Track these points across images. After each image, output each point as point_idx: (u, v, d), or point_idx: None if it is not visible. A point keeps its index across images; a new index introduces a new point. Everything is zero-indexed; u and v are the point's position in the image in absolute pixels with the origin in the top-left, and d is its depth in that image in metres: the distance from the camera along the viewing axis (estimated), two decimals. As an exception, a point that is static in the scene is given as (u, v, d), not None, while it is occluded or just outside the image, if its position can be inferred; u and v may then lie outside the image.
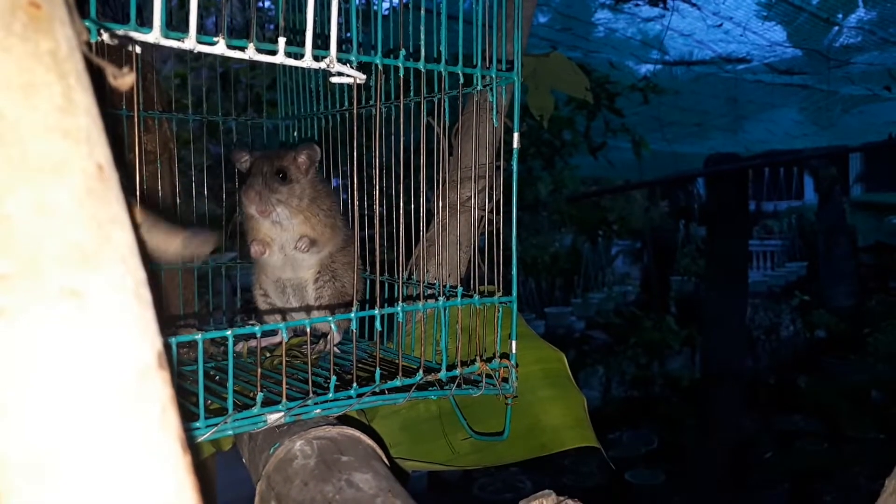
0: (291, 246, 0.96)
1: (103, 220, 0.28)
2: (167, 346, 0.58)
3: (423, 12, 0.81)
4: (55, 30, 0.28)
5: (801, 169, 9.92)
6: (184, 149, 1.18)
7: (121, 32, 0.49)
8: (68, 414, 0.27)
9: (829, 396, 5.57)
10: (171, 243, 0.72)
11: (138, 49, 0.56)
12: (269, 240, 0.96)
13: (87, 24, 0.47)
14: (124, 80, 0.32)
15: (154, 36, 0.54)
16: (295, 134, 1.17)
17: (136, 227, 0.31)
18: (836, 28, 2.98)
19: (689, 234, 8.86)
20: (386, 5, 1.03)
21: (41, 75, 0.27)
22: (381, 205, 0.81)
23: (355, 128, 0.73)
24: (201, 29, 0.59)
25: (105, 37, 0.50)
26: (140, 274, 0.30)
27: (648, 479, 4.68)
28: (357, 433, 0.66)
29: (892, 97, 3.77)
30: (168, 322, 1.03)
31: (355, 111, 0.73)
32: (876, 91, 3.74)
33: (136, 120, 0.57)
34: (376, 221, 0.82)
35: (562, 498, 0.58)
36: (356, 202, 0.79)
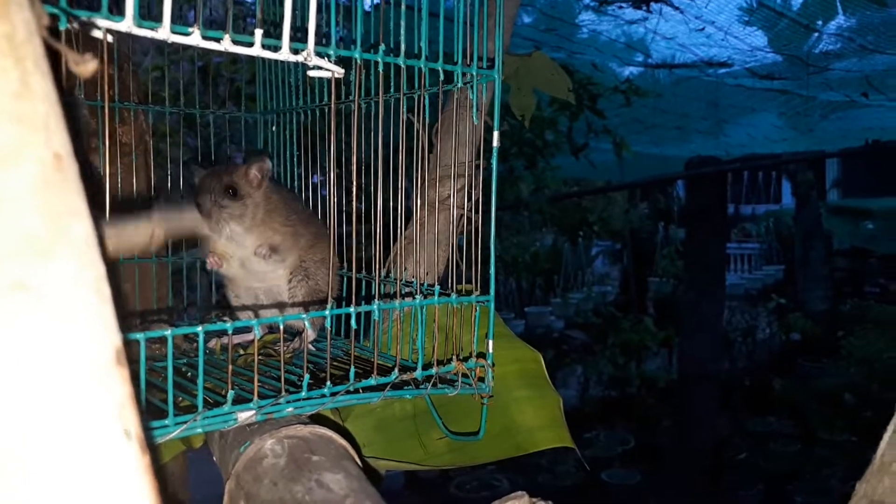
0: (251, 259, 0.94)
1: (60, 211, 0.27)
2: (132, 343, 0.57)
3: (403, 8, 0.80)
4: (11, 13, 0.27)
5: (779, 173, 10.05)
6: (161, 142, 1.16)
7: (88, 19, 0.48)
8: (18, 412, 0.26)
9: (802, 399, 5.65)
10: (142, 233, 0.71)
11: (110, 38, 0.54)
12: (226, 255, 0.94)
13: (54, 10, 0.46)
14: (86, 66, 0.31)
15: (126, 24, 0.53)
16: (273, 129, 1.15)
17: (98, 221, 0.30)
18: (816, 34, 3.01)
19: (668, 235, 8.92)
20: (368, 1, 1.02)
21: (-5, 59, 0.26)
22: (359, 201, 0.80)
23: (333, 123, 0.72)
24: (182, 21, 0.58)
25: (74, 24, 0.48)
26: (99, 268, 0.28)
27: (624, 479, 4.72)
28: (329, 433, 0.65)
29: (869, 104, 3.83)
30: (140, 317, 1.02)
31: (333, 106, 0.72)
32: (854, 97, 3.79)
33: (105, 110, 0.56)
34: (354, 218, 0.81)
35: (535, 500, 0.57)
36: (334, 198, 0.78)
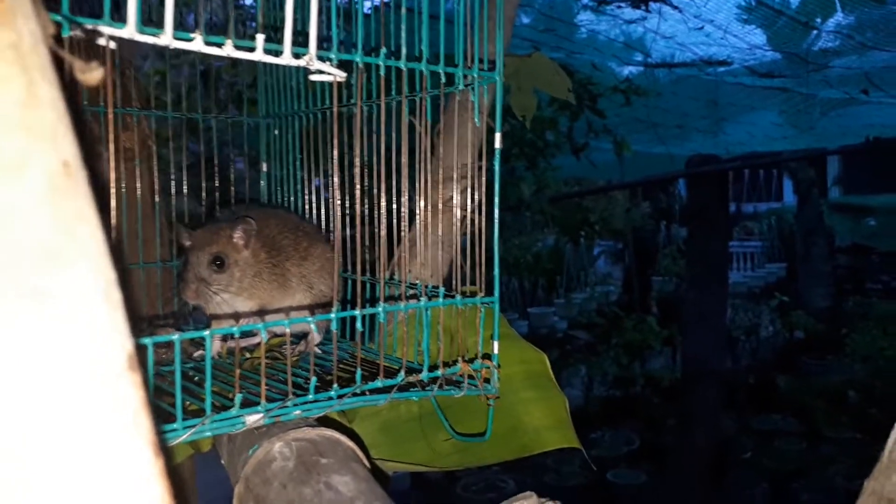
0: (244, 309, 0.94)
1: (70, 219, 0.27)
2: (142, 348, 0.57)
3: (403, 11, 0.80)
4: (17, 23, 0.27)
5: (780, 171, 10.04)
6: (163, 147, 1.17)
7: (92, 27, 0.48)
8: (33, 420, 0.26)
9: (807, 397, 5.64)
10: None
11: (112, 44, 0.54)
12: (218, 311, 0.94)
13: (57, 18, 0.46)
14: (92, 74, 0.31)
15: (129, 31, 0.53)
16: (276, 132, 1.16)
17: (109, 227, 0.30)
18: (815, 32, 3.01)
19: (669, 234, 8.92)
20: (368, 4, 1.02)
21: (2, 69, 0.26)
22: (362, 204, 0.80)
23: (335, 126, 0.72)
24: (182, 25, 0.58)
25: (77, 31, 0.49)
26: (110, 273, 0.29)
27: (630, 479, 4.72)
28: (337, 435, 0.65)
29: (869, 101, 3.83)
30: (146, 322, 1.02)
31: (335, 110, 0.72)
32: (853, 94, 3.79)
33: (109, 117, 0.56)
34: (357, 221, 0.81)
35: (543, 500, 0.57)
36: (337, 201, 0.78)
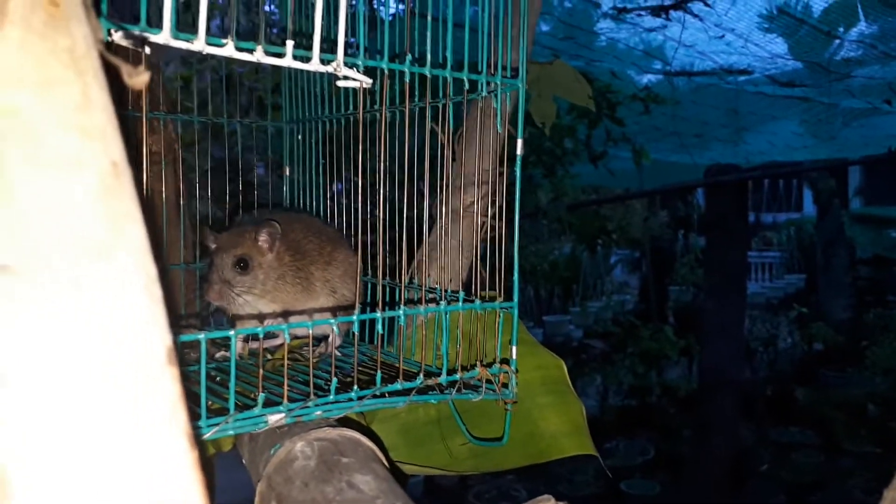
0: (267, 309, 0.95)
1: (117, 215, 0.28)
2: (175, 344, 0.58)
3: (429, 19, 0.82)
4: (72, 28, 0.28)
5: (800, 181, 9.94)
6: (186, 150, 1.19)
7: (132, 32, 0.50)
8: (80, 408, 0.27)
9: (826, 409, 5.57)
10: None
11: (147, 49, 0.56)
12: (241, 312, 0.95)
13: (101, 22, 0.48)
14: (139, 78, 0.32)
15: (164, 37, 0.55)
16: (299, 137, 1.17)
17: (150, 224, 0.31)
18: (838, 41, 2.99)
19: (687, 244, 8.86)
20: (392, 11, 1.03)
21: (59, 72, 0.27)
22: (384, 209, 0.81)
23: (360, 132, 0.73)
24: (206, 31, 0.60)
25: (116, 36, 0.50)
26: (152, 270, 0.30)
27: (644, 490, 4.68)
28: (357, 435, 0.66)
29: (892, 111, 3.79)
30: (172, 322, 1.04)
31: (361, 115, 0.73)
32: (876, 104, 3.76)
33: (143, 120, 0.58)
34: (379, 226, 0.82)
35: (561, 503, 0.58)
36: (359, 206, 0.79)
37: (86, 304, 0.27)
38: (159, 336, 0.30)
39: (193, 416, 0.63)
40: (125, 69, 0.32)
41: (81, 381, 0.27)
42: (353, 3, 0.92)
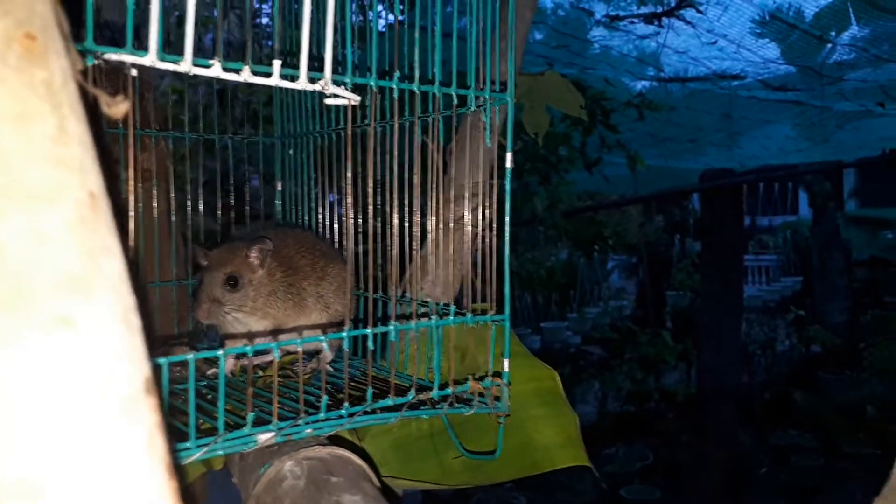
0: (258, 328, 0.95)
1: (94, 247, 0.28)
2: (158, 368, 0.58)
3: (417, 31, 0.82)
4: (50, 61, 0.28)
5: (795, 184, 9.96)
6: (179, 165, 1.19)
7: (116, 57, 0.50)
8: (55, 441, 0.27)
9: (824, 412, 5.57)
10: None
11: (134, 72, 0.56)
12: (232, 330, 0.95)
13: (82, 48, 0.48)
14: (118, 108, 0.32)
15: (150, 59, 0.55)
16: (291, 152, 1.17)
17: (127, 255, 0.31)
18: (830, 45, 3.01)
19: (684, 248, 8.87)
20: (382, 22, 1.03)
21: (35, 106, 0.27)
22: (374, 221, 0.81)
23: (349, 148, 0.73)
24: (200, 46, 0.60)
25: (101, 62, 0.50)
26: (129, 300, 0.30)
27: (643, 496, 4.67)
28: (347, 453, 0.66)
29: (885, 113, 3.81)
30: (161, 341, 1.03)
31: (349, 131, 0.73)
32: (869, 107, 3.78)
33: (131, 140, 0.58)
34: (370, 238, 0.82)
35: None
36: (350, 220, 0.79)
37: (61, 338, 0.27)
38: (136, 367, 0.30)
39: (183, 437, 0.63)
40: (104, 99, 0.32)
41: (55, 414, 0.27)
42: (342, 19, 0.92)
